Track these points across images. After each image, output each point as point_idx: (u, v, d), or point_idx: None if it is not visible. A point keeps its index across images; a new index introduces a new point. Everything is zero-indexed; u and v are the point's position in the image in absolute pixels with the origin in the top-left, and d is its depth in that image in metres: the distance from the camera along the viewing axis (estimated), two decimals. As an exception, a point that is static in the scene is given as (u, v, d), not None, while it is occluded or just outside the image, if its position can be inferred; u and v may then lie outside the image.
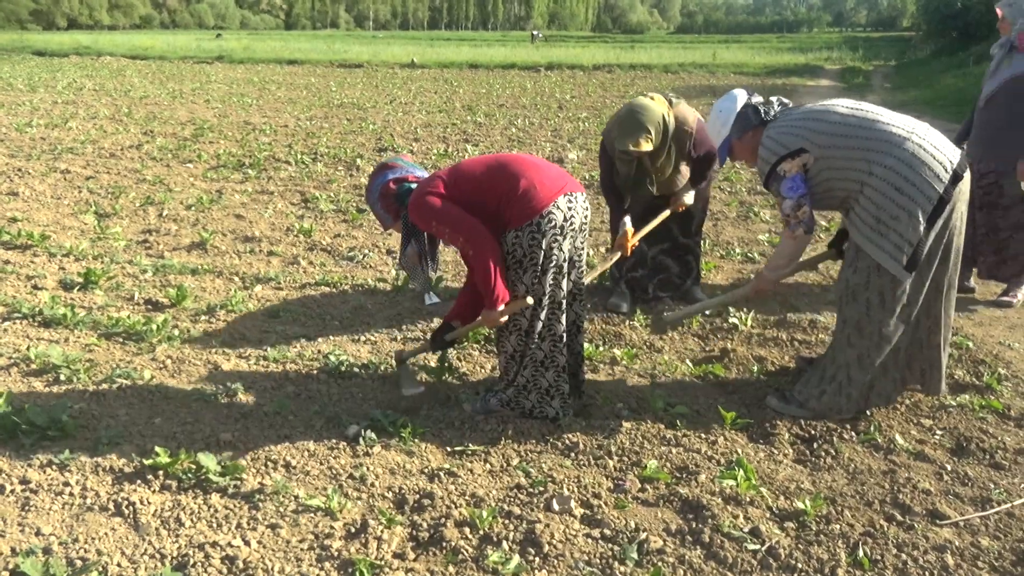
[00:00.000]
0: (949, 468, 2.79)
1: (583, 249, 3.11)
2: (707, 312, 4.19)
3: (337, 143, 10.04)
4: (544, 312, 2.96)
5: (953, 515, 2.51)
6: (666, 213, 4.23)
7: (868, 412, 3.16)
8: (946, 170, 2.82)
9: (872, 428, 3.03)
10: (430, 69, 25.47)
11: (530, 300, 2.89)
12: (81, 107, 13.47)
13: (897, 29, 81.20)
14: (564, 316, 3.01)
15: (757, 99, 3.16)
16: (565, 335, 3.04)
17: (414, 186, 3.04)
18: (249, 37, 50.69)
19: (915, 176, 2.80)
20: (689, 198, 4.23)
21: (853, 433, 3.02)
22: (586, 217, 3.03)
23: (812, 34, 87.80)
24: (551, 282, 2.93)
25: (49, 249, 5.32)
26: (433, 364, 3.57)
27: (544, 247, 2.85)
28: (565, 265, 2.96)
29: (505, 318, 2.93)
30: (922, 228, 2.80)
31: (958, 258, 3.01)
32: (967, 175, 2.90)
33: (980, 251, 4.52)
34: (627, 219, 4.09)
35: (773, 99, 3.17)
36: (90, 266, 4.90)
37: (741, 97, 3.19)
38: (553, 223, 2.85)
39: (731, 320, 4.12)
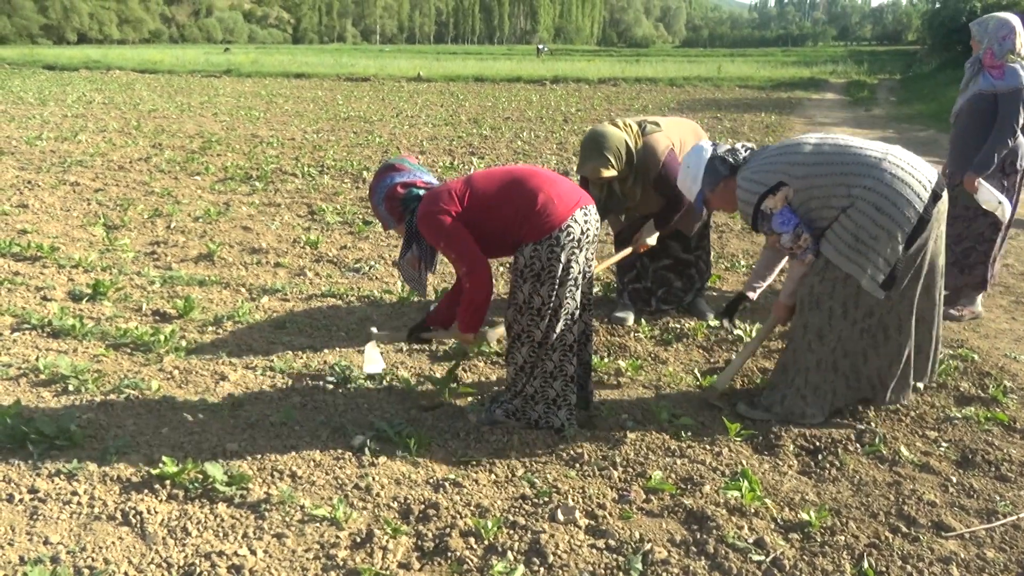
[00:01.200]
0: (954, 480, 2.79)
1: (592, 261, 3.15)
2: (722, 329, 4.19)
3: (344, 156, 10.11)
4: (560, 324, 2.99)
5: (958, 527, 2.50)
6: (627, 251, 4.20)
7: (873, 424, 3.16)
8: (925, 189, 2.85)
9: (877, 440, 3.03)
10: (436, 83, 25.62)
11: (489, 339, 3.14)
12: (90, 120, 13.59)
13: (902, 43, 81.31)
14: (576, 327, 3.05)
15: (722, 149, 3.16)
16: (575, 345, 3.06)
17: (422, 192, 3.03)
18: (257, 51, 51.07)
19: (895, 196, 2.81)
20: (652, 239, 4.14)
21: (858, 445, 3.02)
22: (597, 229, 3.08)
23: (817, 48, 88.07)
24: (567, 294, 2.96)
25: (58, 261, 5.36)
26: (439, 375, 3.58)
27: (563, 260, 2.89)
28: (580, 277, 3.01)
29: (478, 337, 3.11)
30: (901, 248, 2.82)
31: (936, 277, 3.02)
32: (945, 194, 2.92)
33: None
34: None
35: (738, 145, 3.18)
36: (98, 277, 4.94)
37: (707, 150, 3.17)
38: (571, 236, 2.90)
39: (735, 332, 4.13)
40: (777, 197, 2.93)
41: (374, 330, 3.48)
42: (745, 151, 3.15)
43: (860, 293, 2.92)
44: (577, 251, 2.94)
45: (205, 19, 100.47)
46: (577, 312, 3.04)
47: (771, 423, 3.18)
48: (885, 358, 3.06)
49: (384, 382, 3.57)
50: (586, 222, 2.97)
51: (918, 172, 2.88)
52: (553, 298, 2.93)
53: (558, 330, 2.99)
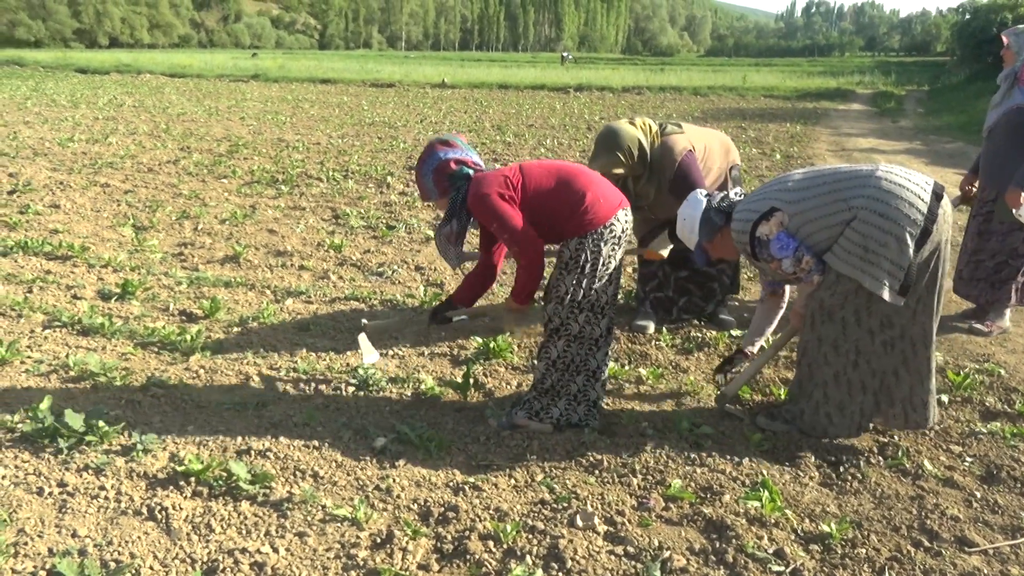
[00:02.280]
0: (979, 495, 2.76)
1: (621, 260, 3.24)
2: (737, 342, 4.17)
3: (368, 161, 10.20)
4: (593, 317, 3.10)
5: (982, 543, 2.48)
6: (639, 251, 4.22)
7: (896, 437, 3.14)
8: (924, 189, 2.82)
9: (900, 453, 3.01)
10: (461, 89, 25.75)
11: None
12: (121, 123, 13.83)
13: (931, 54, 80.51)
14: (604, 322, 3.14)
15: (717, 199, 3.16)
16: (600, 340, 3.14)
17: (471, 172, 3.13)
18: (284, 56, 51.62)
19: (896, 200, 2.78)
20: (664, 251, 4.11)
21: (880, 458, 3.00)
22: (631, 230, 3.23)
23: (844, 58, 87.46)
24: (604, 288, 3.09)
25: (88, 260, 5.46)
26: (459, 380, 3.61)
27: (604, 254, 3.04)
28: (615, 273, 3.14)
29: (521, 317, 3.19)
30: (911, 251, 2.79)
31: (942, 289, 2.99)
32: (946, 198, 2.88)
33: (965, 275, 4.49)
34: None
35: (731, 192, 3.19)
36: (127, 277, 5.03)
37: (702, 201, 3.17)
38: (614, 233, 3.06)
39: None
40: (771, 223, 2.91)
41: (365, 321, 3.59)
42: (738, 196, 3.17)
43: (872, 302, 2.88)
44: (617, 248, 3.10)
45: (234, 24, 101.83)
46: (608, 307, 3.14)
47: (792, 435, 3.17)
48: (916, 375, 3.01)
49: (408, 388, 3.61)
50: (626, 221, 3.13)
51: (912, 177, 2.87)
52: (593, 291, 3.06)
53: (592, 323, 3.11)
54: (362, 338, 3.52)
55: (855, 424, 3.08)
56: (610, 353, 3.39)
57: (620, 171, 3.92)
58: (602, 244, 3.04)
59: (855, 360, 2.99)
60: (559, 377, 3.14)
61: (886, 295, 2.81)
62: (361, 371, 3.68)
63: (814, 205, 2.88)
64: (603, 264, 3.05)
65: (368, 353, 3.52)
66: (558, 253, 3.10)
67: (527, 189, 3.05)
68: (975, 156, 4.77)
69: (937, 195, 2.83)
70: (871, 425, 3.15)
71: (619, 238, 3.10)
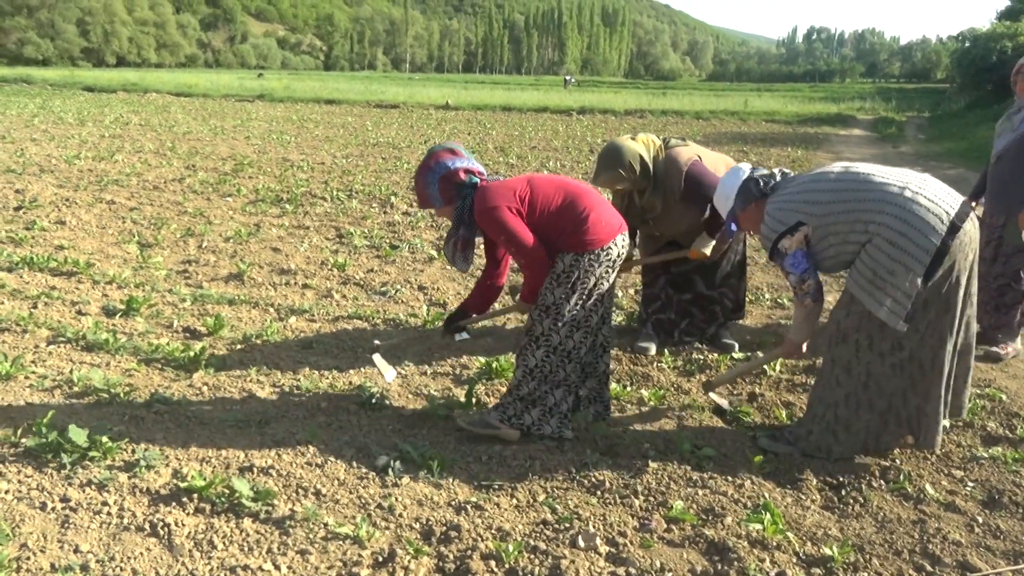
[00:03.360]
0: (980, 520, 2.76)
1: (613, 282, 3.30)
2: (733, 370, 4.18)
3: (372, 181, 10.26)
4: (578, 334, 3.14)
5: (984, 568, 2.47)
6: (681, 253, 4.25)
7: (898, 461, 3.14)
8: (943, 221, 2.81)
9: (902, 477, 3.01)
10: (464, 111, 25.93)
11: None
12: (127, 141, 13.93)
13: (931, 81, 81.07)
14: (588, 340, 3.19)
15: (760, 172, 3.20)
16: (585, 357, 3.21)
17: (477, 181, 3.18)
18: (289, 77, 52.08)
19: (910, 230, 2.80)
20: (707, 248, 4.14)
21: (882, 481, 3.00)
22: (626, 253, 3.30)
23: (845, 84, 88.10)
24: (591, 307, 3.13)
25: (93, 276, 5.49)
26: (461, 399, 3.61)
27: (597, 275, 3.10)
28: (606, 295, 3.19)
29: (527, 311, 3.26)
30: (919, 281, 2.81)
31: (968, 308, 3.00)
32: (969, 224, 2.88)
33: (979, 299, 4.51)
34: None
35: (776, 170, 3.22)
36: (132, 294, 5.05)
37: (745, 171, 3.22)
38: (610, 256, 3.13)
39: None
40: (794, 239, 2.97)
41: (377, 342, 3.62)
42: (780, 177, 3.19)
43: (885, 326, 2.92)
44: (610, 271, 3.15)
45: (240, 45, 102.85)
46: (595, 327, 3.19)
47: (795, 457, 3.17)
48: (923, 396, 3.04)
49: (410, 406, 3.62)
50: (623, 246, 3.20)
51: (938, 204, 2.85)
52: (579, 308, 3.11)
53: (575, 339, 3.14)
54: (377, 358, 3.61)
55: (859, 442, 3.10)
56: (609, 373, 3.41)
57: (622, 185, 3.97)
58: (596, 265, 3.09)
59: (865, 382, 3.03)
60: (536, 386, 3.17)
61: (885, 317, 2.84)
62: (373, 388, 3.69)
63: (837, 221, 2.92)
64: (594, 285, 3.11)
65: (386, 371, 3.59)
66: (552, 265, 3.14)
67: (535, 204, 3.10)
68: (975, 182, 4.81)
69: (955, 226, 2.83)
70: (881, 447, 3.15)
71: (614, 262, 3.16)
